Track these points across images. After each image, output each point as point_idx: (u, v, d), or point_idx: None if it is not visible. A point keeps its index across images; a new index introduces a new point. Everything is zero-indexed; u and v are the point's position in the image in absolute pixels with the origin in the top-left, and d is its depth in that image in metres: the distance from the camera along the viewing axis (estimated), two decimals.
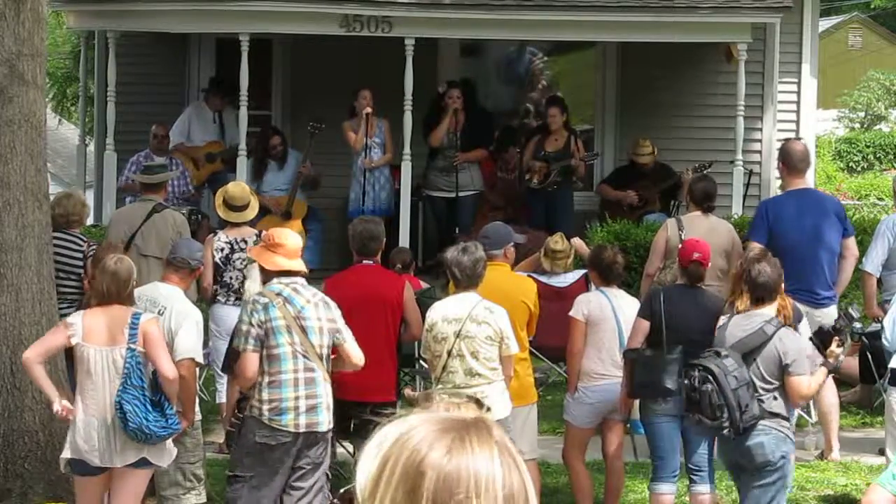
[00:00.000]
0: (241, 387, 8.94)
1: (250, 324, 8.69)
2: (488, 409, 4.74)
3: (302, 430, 8.72)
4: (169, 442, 8.75)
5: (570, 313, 10.02)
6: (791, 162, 11.34)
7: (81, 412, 8.58)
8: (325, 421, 8.84)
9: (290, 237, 9.10)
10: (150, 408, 8.45)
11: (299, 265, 8.95)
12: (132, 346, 8.51)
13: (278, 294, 8.77)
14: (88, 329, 8.58)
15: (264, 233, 9.65)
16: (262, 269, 9.02)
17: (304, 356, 8.73)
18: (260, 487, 8.79)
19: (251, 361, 8.68)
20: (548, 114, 16.39)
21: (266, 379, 8.71)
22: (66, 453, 8.66)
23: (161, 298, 9.47)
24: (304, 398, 8.74)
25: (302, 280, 8.96)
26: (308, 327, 8.75)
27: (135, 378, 8.48)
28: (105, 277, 8.68)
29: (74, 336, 8.59)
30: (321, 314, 8.82)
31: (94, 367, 8.57)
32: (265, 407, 8.71)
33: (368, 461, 2.40)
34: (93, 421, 8.55)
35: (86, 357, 8.58)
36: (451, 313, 9.24)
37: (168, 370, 8.55)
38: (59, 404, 8.65)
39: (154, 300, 9.46)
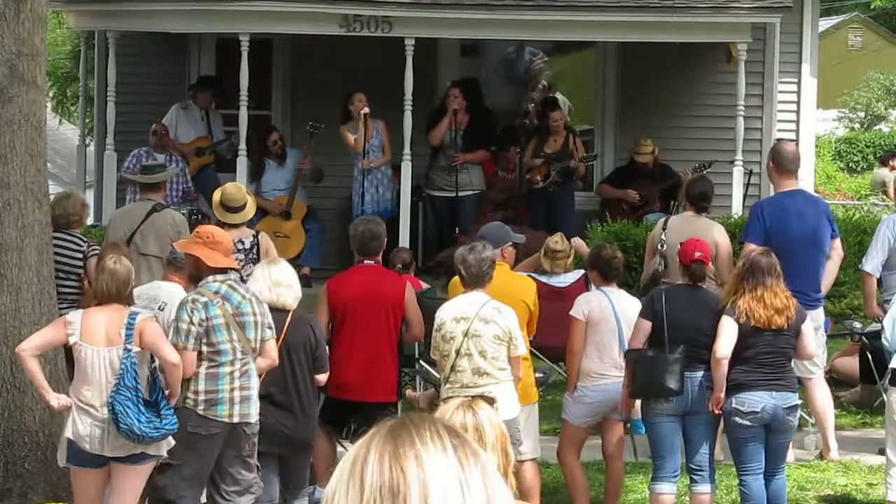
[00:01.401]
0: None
1: (191, 322, 8.86)
2: (496, 407, 4.76)
3: (235, 420, 8.94)
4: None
5: (571, 312, 10.02)
6: (782, 162, 11.34)
7: (77, 409, 8.60)
8: (254, 413, 9.03)
9: (226, 235, 9.42)
10: (142, 408, 8.48)
11: (234, 262, 9.35)
12: (128, 346, 8.54)
13: (216, 292, 8.97)
14: (87, 329, 8.61)
15: (198, 228, 9.77)
16: (195, 266, 9.12)
17: (242, 351, 8.95)
18: (188, 476, 8.95)
19: (191, 359, 8.86)
20: (549, 116, 16.40)
21: (204, 372, 8.90)
22: (68, 433, 8.68)
23: (162, 295, 9.52)
24: (238, 390, 8.95)
25: (234, 275, 9.22)
26: (245, 323, 8.97)
27: (128, 379, 8.50)
28: (104, 277, 8.72)
29: (73, 335, 8.62)
30: (256, 309, 9.05)
31: (91, 367, 8.60)
32: (200, 398, 8.91)
33: (332, 478, 2.43)
34: (87, 419, 8.57)
35: (83, 357, 8.62)
36: (459, 312, 9.27)
37: (171, 356, 8.65)
38: (54, 400, 8.70)
39: (154, 297, 9.51)
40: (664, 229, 11.54)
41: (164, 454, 8.84)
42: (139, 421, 8.44)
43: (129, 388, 8.49)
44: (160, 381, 8.72)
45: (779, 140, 13.41)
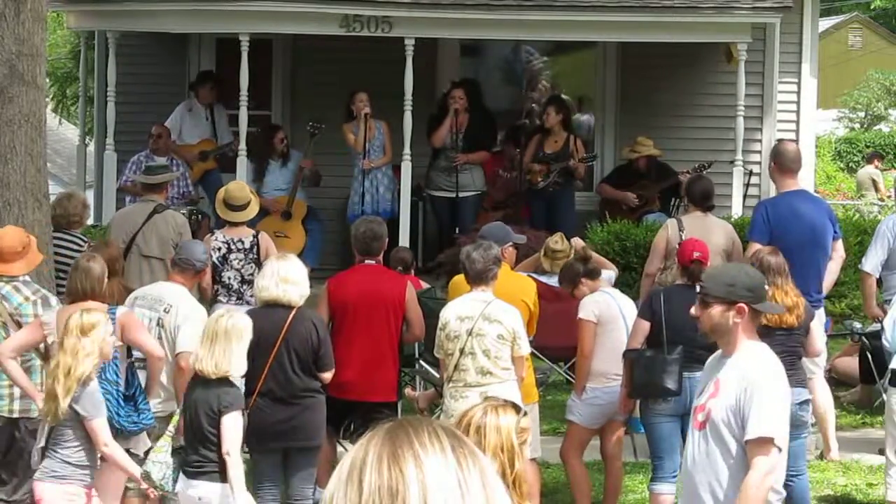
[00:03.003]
0: None
1: None
2: (525, 414, 4.74)
3: (16, 415, 9.11)
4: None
5: (580, 315, 9.96)
6: (784, 162, 11.33)
7: None
8: (35, 409, 9.04)
9: (7, 239, 9.37)
10: (122, 402, 8.54)
11: (14, 269, 9.30)
12: None
13: None
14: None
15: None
16: None
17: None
18: None
19: None
20: (545, 113, 16.39)
21: None
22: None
23: (166, 297, 9.51)
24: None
25: (26, 277, 9.36)
26: (25, 323, 9.10)
27: (109, 373, 8.55)
28: (77, 275, 8.78)
29: (51, 335, 8.65)
30: (39, 311, 9.17)
31: None
32: None
33: (331, 480, 2.43)
34: None
35: None
36: (464, 311, 9.26)
37: (154, 348, 8.69)
38: (41, 400, 8.72)
39: (159, 299, 9.50)
40: (681, 231, 11.43)
41: (140, 454, 8.84)
42: (118, 415, 8.52)
43: (109, 383, 8.55)
44: (137, 377, 8.76)
45: (780, 140, 13.40)
